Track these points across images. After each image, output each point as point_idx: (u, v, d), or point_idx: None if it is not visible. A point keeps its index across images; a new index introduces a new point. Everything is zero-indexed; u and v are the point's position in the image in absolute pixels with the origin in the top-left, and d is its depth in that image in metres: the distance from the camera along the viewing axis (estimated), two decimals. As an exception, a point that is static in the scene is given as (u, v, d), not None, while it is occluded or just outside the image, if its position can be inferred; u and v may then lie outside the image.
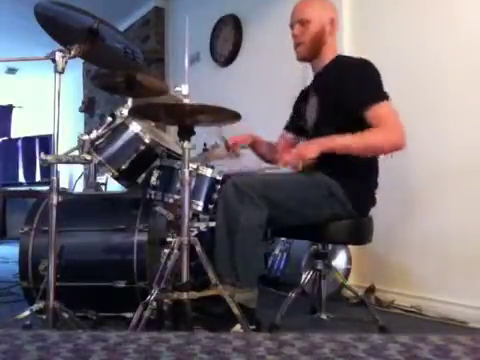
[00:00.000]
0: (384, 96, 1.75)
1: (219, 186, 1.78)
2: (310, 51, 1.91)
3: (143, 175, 1.91)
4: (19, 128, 7.03)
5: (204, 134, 1.86)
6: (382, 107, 1.73)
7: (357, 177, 1.80)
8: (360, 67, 1.82)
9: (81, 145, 1.75)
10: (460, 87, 2.18)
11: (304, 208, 1.75)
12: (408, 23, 2.43)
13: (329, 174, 1.77)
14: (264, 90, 3.32)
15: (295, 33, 1.91)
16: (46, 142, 5.85)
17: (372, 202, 1.87)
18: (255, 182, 1.73)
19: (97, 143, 1.85)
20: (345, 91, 1.77)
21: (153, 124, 2.13)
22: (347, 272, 2.51)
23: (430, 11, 2.33)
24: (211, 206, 1.78)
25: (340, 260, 2.50)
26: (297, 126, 2.11)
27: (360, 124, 1.74)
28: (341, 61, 1.91)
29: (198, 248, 1.54)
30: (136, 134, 1.88)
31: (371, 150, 1.77)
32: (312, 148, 1.68)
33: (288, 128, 2.16)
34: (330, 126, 1.82)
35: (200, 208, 1.78)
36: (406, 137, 1.71)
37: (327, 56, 1.91)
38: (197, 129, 1.59)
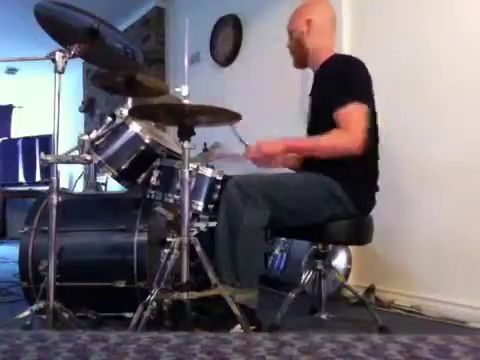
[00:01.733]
0: (354, 98, 1.71)
1: (219, 186, 1.78)
2: (298, 59, 1.98)
3: (143, 175, 1.90)
4: (19, 128, 7.02)
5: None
6: (347, 109, 1.70)
7: (357, 178, 1.80)
8: (339, 67, 1.82)
9: (81, 145, 1.74)
10: (457, 86, 2.17)
11: (305, 209, 1.76)
12: (407, 23, 2.43)
13: (330, 175, 1.77)
14: (264, 90, 3.31)
15: (287, 44, 2.01)
16: (46, 142, 5.84)
17: (373, 202, 1.87)
18: (258, 182, 1.73)
19: (97, 143, 1.85)
20: (324, 92, 1.79)
21: (153, 124, 2.13)
22: (347, 272, 2.51)
23: (429, 11, 2.33)
24: (211, 206, 1.78)
25: (340, 260, 2.50)
26: None
27: None
28: (330, 61, 1.90)
29: (198, 248, 1.54)
30: (136, 134, 1.88)
31: (322, 152, 1.75)
32: (276, 148, 1.77)
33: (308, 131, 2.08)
34: (320, 128, 1.79)
35: (200, 208, 1.77)
36: (362, 142, 1.69)
37: (322, 56, 1.90)
38: (197, 129, 1.59)
